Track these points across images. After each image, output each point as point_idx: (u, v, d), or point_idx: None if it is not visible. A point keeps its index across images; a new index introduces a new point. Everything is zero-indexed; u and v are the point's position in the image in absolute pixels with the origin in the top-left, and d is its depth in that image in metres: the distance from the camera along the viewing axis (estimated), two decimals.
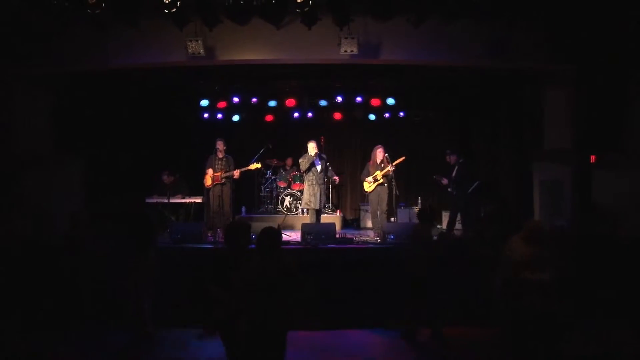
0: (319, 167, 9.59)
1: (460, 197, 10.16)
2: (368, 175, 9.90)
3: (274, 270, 4.28)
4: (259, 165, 10.37)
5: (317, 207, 9.57)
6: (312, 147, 9.58)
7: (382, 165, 9.82)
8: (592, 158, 8.27)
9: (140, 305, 6.54)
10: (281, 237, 4.62)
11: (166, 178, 11.02)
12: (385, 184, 9.86)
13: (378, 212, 9.90)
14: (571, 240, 7.71)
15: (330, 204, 12.36)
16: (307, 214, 10.26)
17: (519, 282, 5.31)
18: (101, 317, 7.12)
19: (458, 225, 10.37)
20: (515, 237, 5.58)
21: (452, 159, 10.43)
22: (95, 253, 7.13)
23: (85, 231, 7.21)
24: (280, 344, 4.32)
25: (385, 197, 9.84)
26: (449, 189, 10.40)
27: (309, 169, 9.58)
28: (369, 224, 11.05)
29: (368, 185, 9.89)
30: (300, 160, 9.76)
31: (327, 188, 9.72)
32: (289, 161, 12.75)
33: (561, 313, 5.31)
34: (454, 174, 10.29)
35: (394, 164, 9.71)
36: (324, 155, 9.73)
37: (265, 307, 4.18)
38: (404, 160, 10.01)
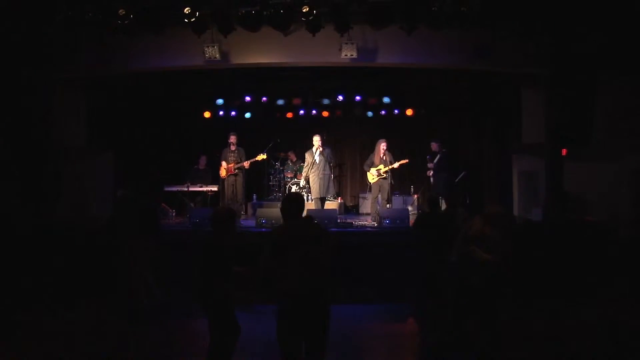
0: (317, 159, 9.66)
1: (437, 185, 10.21)
2: (372, 166, 9.91)
3: (306, 228, 4.21)
4: (264, 156, 10.54)
5: (320, 195, 9.73)
6: (316, 140, 9.70)
7: (384, 158, 9.84)
8: (564, 151, 8.42)
9: (140, 280, 6.83)
10: (304, 201, 4.45)
11: (202, 163, 11.37)
12: (388, 177, 9.97)
13: (378, 200, 10.09)
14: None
15: (332, 192, 12.57)
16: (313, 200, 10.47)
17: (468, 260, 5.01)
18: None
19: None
20: (477, 217, 5.28)
21: (435, 146, 10.46)
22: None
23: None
24: (326, 309, 4.07)
25: (386, 187, 9.92)
26: (429, 175, 10.49)
27: (312, 163, 9.75)
28: (367, 210, 11.27)
29: (372, 177, 9.97)
30: (306, 154, 9.93)
31: (329, 178, 9.92)
32: (292, 156, 12.97)
33: (501, 292, 5.00)
34: (435, 161, 10.34)
35: (397, 164, 9.76)
36: (325, 150, 9.81)
37: (308, 263, 3.97)
38: (407, 162, 10.04)
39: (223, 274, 4.38)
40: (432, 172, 10.46)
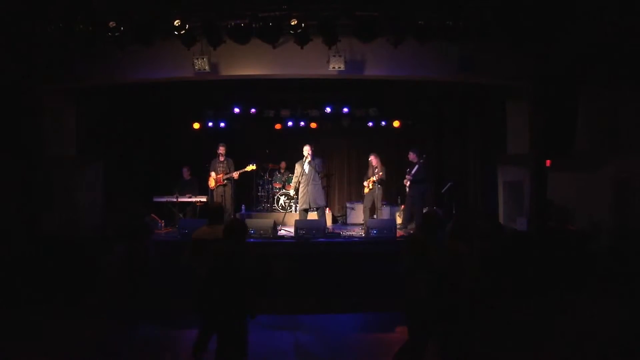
0: (306, 169, 9.65)
1: (415, 196, 10.14)
2: (365, 179, 10.63)
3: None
4: (254, 167, 10.61)
5: (307, 206, 9.65)
6: (306, 150, 9.70)
7: (376, 170, 10.30)
8: (548, 162, 8.49)
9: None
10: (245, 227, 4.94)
11: (186, 173, 11.33)
12: (379, 186, 10.31)
13: (369, 208, 10.57)
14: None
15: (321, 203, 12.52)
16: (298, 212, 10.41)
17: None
18: None
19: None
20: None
21: (412, 156, 10.35)
22: None
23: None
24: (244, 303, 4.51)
25: (380, 196, 10.38)
26: (406, 185, 10.43)
27: (301, 173, 9.73)
28: (355, 220, 11.36)
29: (365, 188, 10.65)
30: (297, 164, 9.89)
31: (319, 189, 9.86)
32: (283, 164, 13.00)
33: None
34: (413, 171, 10.23)
35: (375, 177, 10.22)
36: (314, 160, 9.77)
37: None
38: (381, 176, 10.23)
39: (238, 288, 4.35)
40: (408, 182, 10.34)
